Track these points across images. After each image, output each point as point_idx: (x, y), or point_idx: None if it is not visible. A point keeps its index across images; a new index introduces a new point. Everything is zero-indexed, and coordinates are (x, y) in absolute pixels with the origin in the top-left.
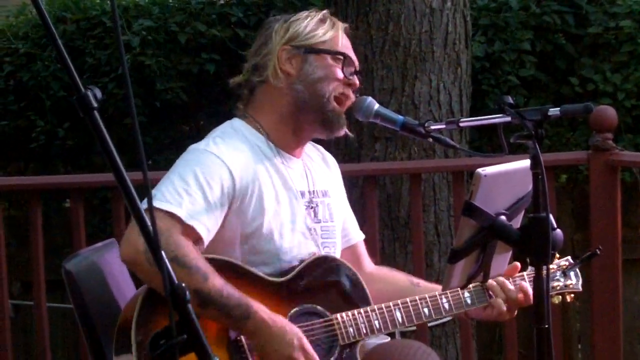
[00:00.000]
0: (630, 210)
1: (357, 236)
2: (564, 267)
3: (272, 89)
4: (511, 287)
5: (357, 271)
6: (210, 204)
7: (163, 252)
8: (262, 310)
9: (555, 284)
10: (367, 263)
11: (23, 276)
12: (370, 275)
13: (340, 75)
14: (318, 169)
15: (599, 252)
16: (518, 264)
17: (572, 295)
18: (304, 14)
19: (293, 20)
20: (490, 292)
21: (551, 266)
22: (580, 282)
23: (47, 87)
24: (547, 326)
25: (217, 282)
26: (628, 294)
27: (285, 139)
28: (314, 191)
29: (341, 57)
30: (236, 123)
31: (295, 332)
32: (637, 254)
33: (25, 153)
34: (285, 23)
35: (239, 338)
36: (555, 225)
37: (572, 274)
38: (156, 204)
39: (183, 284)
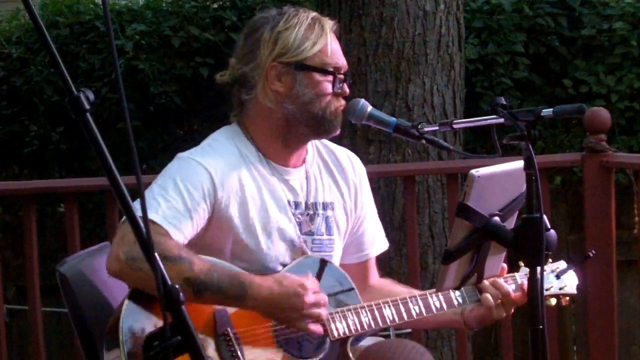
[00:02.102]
0: (625, 211)
1: (374, 252)
2: (557, 270)
3: (262, 106)
4: (502, 282)
5: (361, 284)
6: (189, 210)
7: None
8: (254, 279)
9: (549, 286)
10: (372, 277)
11: (18, 281)
12: (372, 287)
13: (329, 90)
14: (325, 180)
15: (591, 254)
16: (505, 265)
17: (568, 298)
18: (293, 18)
19: (281, 30)
20: (480, 288)
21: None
22: (576, 284)
23: (41, 92)
24: (541, 327)
25: (204, 267)
26: (623, 295)
27: (276, 152)
28: (311, 203)
29: (331, 74)
30: (230, 131)
31: (295, 281)
32: (632, 255)
33: (19, 158)
34: (273, 33)
35: (226, 331)
36: (549, 226)
37: (565, 277)
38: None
39: (177, 286)
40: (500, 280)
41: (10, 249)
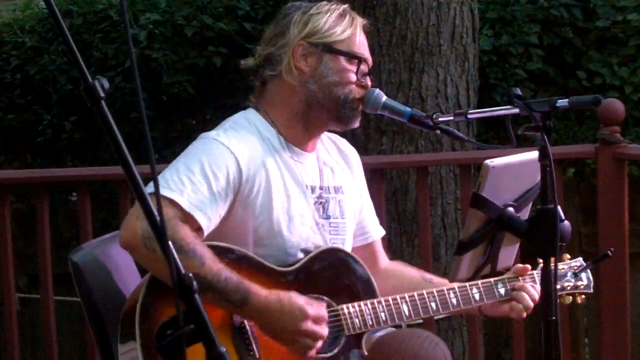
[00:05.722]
0: (637, 203)
1: (377, 234)
2: (575, 268)
3: (284, 85)
4: (532, 291)
5: (372, 268)
6: (214, 194)
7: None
8: (259, 291)
9: (566, 284)
10: (382, 260)
11: (30, 269)
12: (385, 271)
13: (354, 78)
14: (333, 165)
15: (610, 253)
16: (528, 266)
17: (583, 296)
18: (325, 6)
19: (313, 14)
20: (514, 297)
21: (562, 266)
22: (592, 284)
23: (54, 81)
24: (554, 318)
25: (214, 266)
26: (635, 287)
27: (296, 135)
28: (325, 187)
29: (356, 60)
30: (250, 114)
31: (295, 305)
32: None
33: (32, 147)
34: (304, 15)
35: (242, 323)
36: (564, 217)
37: (583, 275)
38: None
39: (190, 274)
40: (532, 290)
41: (23, 237)
